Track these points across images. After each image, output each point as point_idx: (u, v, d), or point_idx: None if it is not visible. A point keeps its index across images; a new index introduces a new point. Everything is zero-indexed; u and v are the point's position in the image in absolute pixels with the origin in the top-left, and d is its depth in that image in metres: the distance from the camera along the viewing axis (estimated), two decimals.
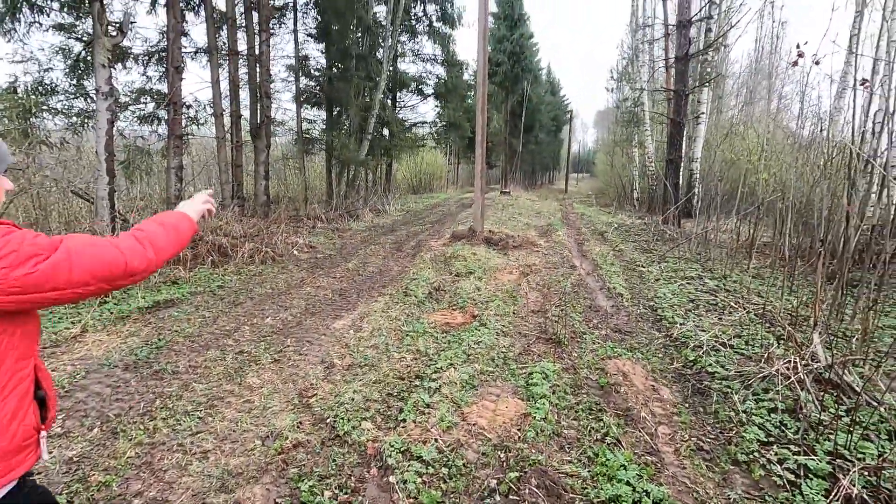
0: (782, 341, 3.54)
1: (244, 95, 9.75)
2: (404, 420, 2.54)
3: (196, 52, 9.56)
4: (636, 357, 3.50)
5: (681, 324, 4.15)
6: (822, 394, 2.68)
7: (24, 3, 6.25)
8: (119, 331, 3.82)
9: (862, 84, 4.39)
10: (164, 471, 2.14)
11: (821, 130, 7.13)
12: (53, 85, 7.12)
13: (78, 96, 7.35)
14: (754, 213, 6.97)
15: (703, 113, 12.26)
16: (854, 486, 1.93)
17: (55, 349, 3.40)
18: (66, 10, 6.80)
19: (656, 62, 15.48)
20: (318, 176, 13.68)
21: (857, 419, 2.39)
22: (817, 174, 5.37)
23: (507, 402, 2.77)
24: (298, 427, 2.49)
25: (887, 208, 4.94)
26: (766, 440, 2.41)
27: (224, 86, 9.11)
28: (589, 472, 2.17)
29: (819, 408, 2.55)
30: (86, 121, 7.19)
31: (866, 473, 2.05)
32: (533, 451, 2.29)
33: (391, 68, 12.77)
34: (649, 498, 1.96)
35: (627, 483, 2.04)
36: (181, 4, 7.78)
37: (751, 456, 2.29)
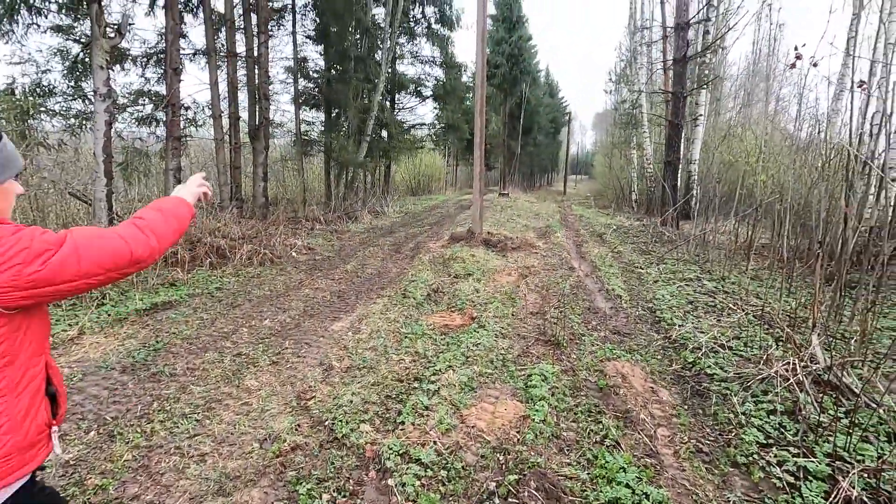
0: (781, 343, 3.54)
1: (243, 97, 9.77)
2: (403, 422, 2.53)
3: (195, 54, 9.58)
4: (635, 359, 3.49)
5: (679, 325, 4.15)
6: (821, 395, 2.68)
7: (23, 4, 6.25)
8: (116, 333, 3.80)
9: (859, 86, 4.42)
10: (162, 474, 2.12)
11: (818, 132, 7.16)
12: (51, 86, 7.12)
13: (76, 98, 7.35)
14: (752, 214, 6.98)
15: (701, 115, 12.30)
16: (853, 488, 1.93)
17: (52, 351, 3.37)
18: (64, 11, 6.80)
19: (654, 64, 15.52)
20: (317, 177, 13.69)
21: (857, 421, 2.39)
22: (815, 176, 5.38)
23: (506, 405, 2.76)
24: (296, 430, 2.48)
25: (885, 210, 4.95)
26: (765, 442, 2.41)
27: (223, 87, 9.13)
28: (588, 474, 2.16)
29: (818, 409, 2.55)
30: (84, 122, 7.19)
31: (866, 475, 2.05)
32: (532, 453, 2.29)
33: (390, 70, 12.78)
34: (649, 500, 1.95)
35: (627, 485, 2.04)
36: (180, 6, 7.78)
37: (750, 458, 2.29)
